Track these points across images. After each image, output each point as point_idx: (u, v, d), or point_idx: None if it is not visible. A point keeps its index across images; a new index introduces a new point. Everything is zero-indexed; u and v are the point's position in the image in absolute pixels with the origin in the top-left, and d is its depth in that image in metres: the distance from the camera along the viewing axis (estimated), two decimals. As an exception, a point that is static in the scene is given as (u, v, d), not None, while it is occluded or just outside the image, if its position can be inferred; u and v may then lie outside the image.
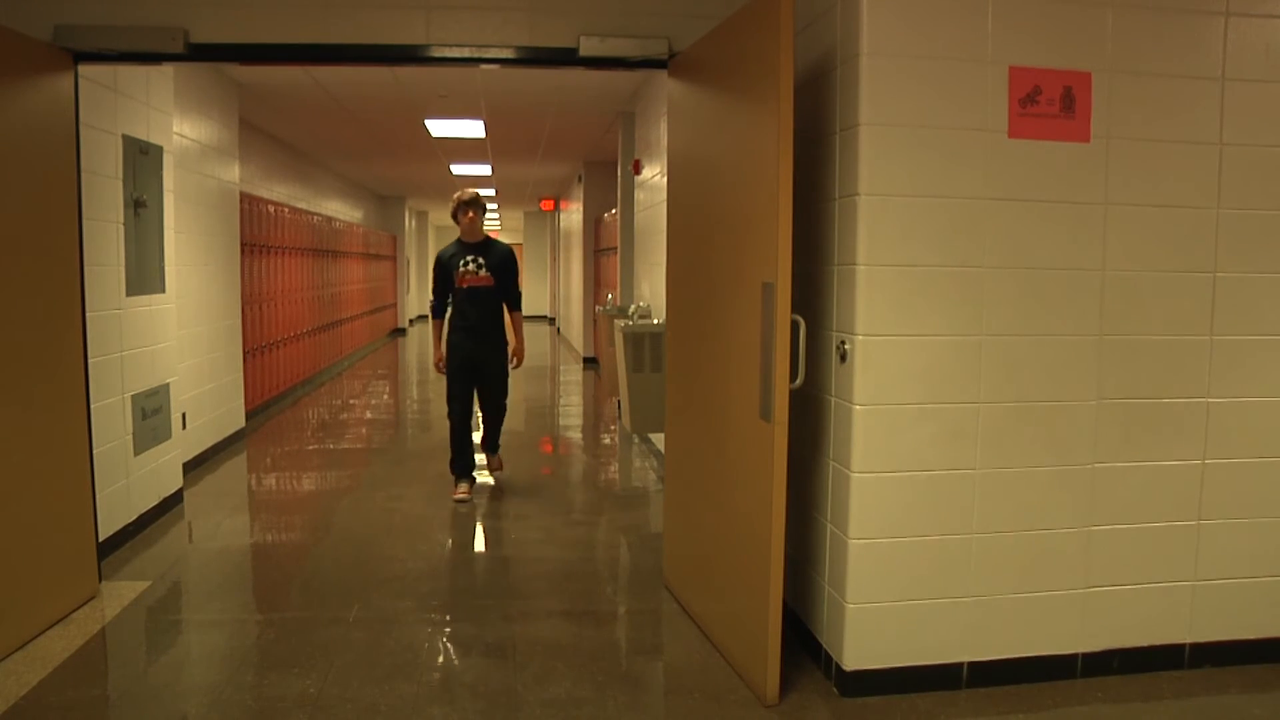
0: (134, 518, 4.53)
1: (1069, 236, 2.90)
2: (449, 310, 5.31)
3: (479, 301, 5.19)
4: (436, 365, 5.33)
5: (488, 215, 23.74)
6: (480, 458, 5.74)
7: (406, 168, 12.69)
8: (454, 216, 5.24)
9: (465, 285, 5.17)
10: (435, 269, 5.31)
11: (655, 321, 5.88)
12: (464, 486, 5.36)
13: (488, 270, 5.20)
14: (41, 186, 3.44)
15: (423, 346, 16.23)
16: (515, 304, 5.40)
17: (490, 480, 5.77)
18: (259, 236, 8.10)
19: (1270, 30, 2.96)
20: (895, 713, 2.83)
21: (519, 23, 3.62)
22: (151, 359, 4.75)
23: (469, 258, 5.19)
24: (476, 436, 5.72)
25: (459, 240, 5.30)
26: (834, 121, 2.94)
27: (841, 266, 2.91)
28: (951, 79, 2.79)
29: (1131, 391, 2.98)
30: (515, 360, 5.41)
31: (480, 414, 5.50)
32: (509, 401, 5.56)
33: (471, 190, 5.27)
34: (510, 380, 5.46)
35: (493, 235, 5.32)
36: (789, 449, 2.78)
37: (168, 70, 4.99)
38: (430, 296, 5.42)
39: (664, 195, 4.35)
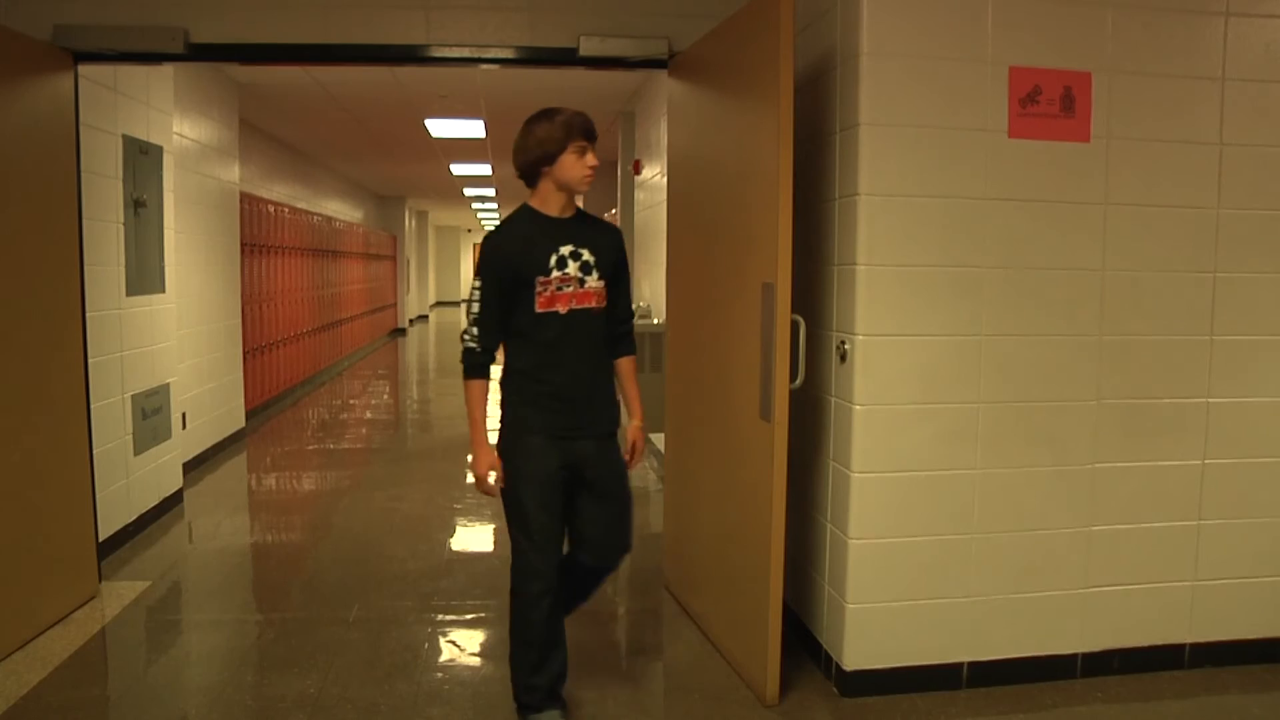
0: (134, 518, 4.53)
1: (1069, 236, 2.90)
2: (503, 357, 2.64)
3: (586, 338, 2.62)
4: (482, 479, 2.56)
5: (485, 213, 22.29)
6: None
7: (406, 168, 12.69)
8: (539, 154, 2.54)
9: (562, 308, 2.56)
10: (486, 270, 2.54)
11: (655, 321, 5.89)
12: None
13: (599, 274, 2.62)
14: (41, 186, 3.44)
15: (422, 346, 16.09)
16: (629, 340, 2.81)
17: None
18: (259, 236, 8.10)
19: (1270, 30, 2.96)
20: (895, 713, 2.83)
21: (519, 23, 3.63)
22: (151, 359, 4.75)
23: (564, 250, 2.57)
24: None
25: (529, 210, 2.62)
26: (834, 121, 2.94)
27: (841, 266, 2.91)
28: (951, 79, 2.79)
29: (1131, 391, 2.98)
30: (631, 456, 2.78)
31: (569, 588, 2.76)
32: None
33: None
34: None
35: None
36: (789, 449, 2.78)
37: (168, 70, 5.00)
38: (468, 325, 2.57)
39: (664, 195, 4.35)
